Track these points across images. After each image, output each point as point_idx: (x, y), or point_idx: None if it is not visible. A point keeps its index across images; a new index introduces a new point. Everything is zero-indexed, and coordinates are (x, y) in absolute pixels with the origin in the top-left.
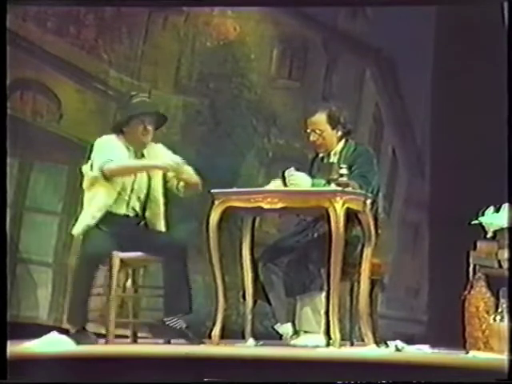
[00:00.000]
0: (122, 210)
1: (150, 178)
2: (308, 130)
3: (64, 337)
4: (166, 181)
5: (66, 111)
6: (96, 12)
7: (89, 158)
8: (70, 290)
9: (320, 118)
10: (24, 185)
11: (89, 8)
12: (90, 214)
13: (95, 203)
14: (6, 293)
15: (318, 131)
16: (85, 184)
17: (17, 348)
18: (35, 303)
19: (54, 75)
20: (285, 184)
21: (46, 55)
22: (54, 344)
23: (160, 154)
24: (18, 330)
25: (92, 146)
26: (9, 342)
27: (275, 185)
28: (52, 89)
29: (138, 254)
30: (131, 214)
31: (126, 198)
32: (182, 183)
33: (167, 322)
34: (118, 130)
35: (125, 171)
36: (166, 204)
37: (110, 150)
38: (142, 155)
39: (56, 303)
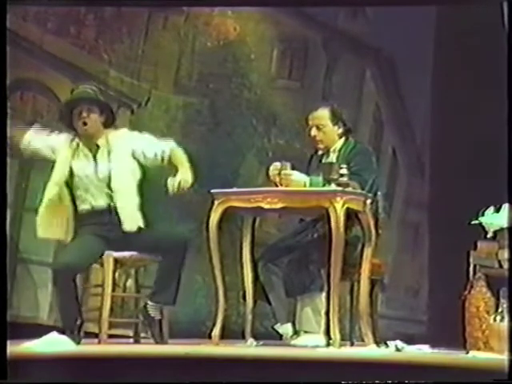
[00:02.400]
0: (102, 202)
1: (110, 168)
2: (309, 125)
3: (64, 337)
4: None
5: None
6: (96, 12)
7: None
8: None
9: (323, 113)
10: (24, 185)
11: (89, 8)
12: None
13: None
14: (6, 293)
15: (320, 126)
16: None
17: (17, 348)
18: (35, 303)
19: (53, 75)
20: (279, 176)
21: (45, 55)
22: (54, 344)
23: (121, 140)
24: (18, 330)
25: None
26: (9, 342)
27: (273, 169)
28: (52, 89)
29: (133, 253)
30: (104, 203)
31: (104, 189)
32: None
33: (148, 305)
34: (71, 127)
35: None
36: (142, 195)
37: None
38: (97, 146)
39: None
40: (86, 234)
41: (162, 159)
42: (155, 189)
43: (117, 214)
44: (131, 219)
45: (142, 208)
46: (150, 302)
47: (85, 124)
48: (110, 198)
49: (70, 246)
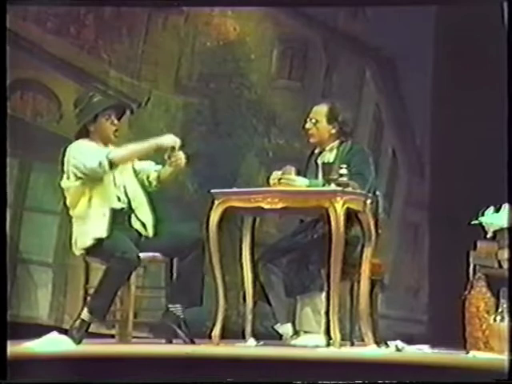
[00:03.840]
0: (116, 204)
1: (123, 168)
2: (307, 118)
3: (64, 337)
4: (136, 173)
5: (66, 111)
6: (96, 12)
7: (63, 171)
8: (101, 289)
9: (320, 109)
10: (24, 185)
11: (89, 8)
12: (95, 224)
13: (95, 212)
14: (5, 293)
15: (313, 120)
16: (70, 199)
17: (17, 348)
18: (35, 303)
19: (54, 75)
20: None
21: (45, 55)
22: (54, 344)
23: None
24: (18, 330)
25: (63, 158)
26: (9, 342)
27: (274, 177)
28: (52, 89)
29: (150, 254)
30: (124, 206)
31: (116, 191)
32: (152, 176)
33: (170, 308)
34: (84, 132)
35: (131, 155)
36: (148, 194)
37: (91, 148)
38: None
39: (56, 303)
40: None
41: (150, 183)
42: (163, 194)
43: (132, 217)
44: (148, 224)
45: (155, 212)
46: (173, 305)
47: (114, 131)
48: (124, 201)
49: (122, 240)
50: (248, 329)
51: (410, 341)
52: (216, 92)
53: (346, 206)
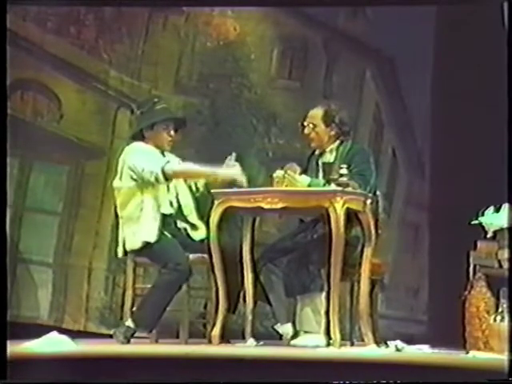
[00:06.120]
0: (167, 209)
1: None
2: (305, 123)
3: (64, 337)
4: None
5: (66, 111)
6: (96, 12)
7: (116, 170)
8: (151, 295)
9: (316, 113)
10: (24, 185)
11: (89, 8)
12: (146, 227)
13: (146, 215)
14: (6, 293)
15: (311, 125)
16: (121, 199)
17: (17, 348)
18: (35, 303)
19: (54, 75)
20: (283, 176)
21: (45, 55)
22: (54, 344)
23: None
24: (18, 329)
25: (118, 158)
26: (9, 342)
27: (277, 175)
28: (52, 89)
29: (199, 255)
30: (173, 211)
31: (168, 196)
32: (200, 182)
33: None
34: (140, 136)
35: (187, 175)
36: (197, 200)
37: (149, 154)
38: None
39: (56, 303)
40: (170, 236)
41: (197, 189)
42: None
43: (183, 216)
44: (200, 229)
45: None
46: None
47: (169, 141)
48: (175, 206)
49: (175, 248)
50: (248, 329)
51: (409, 341)
52: (216, 92)
53: (346, 205)
